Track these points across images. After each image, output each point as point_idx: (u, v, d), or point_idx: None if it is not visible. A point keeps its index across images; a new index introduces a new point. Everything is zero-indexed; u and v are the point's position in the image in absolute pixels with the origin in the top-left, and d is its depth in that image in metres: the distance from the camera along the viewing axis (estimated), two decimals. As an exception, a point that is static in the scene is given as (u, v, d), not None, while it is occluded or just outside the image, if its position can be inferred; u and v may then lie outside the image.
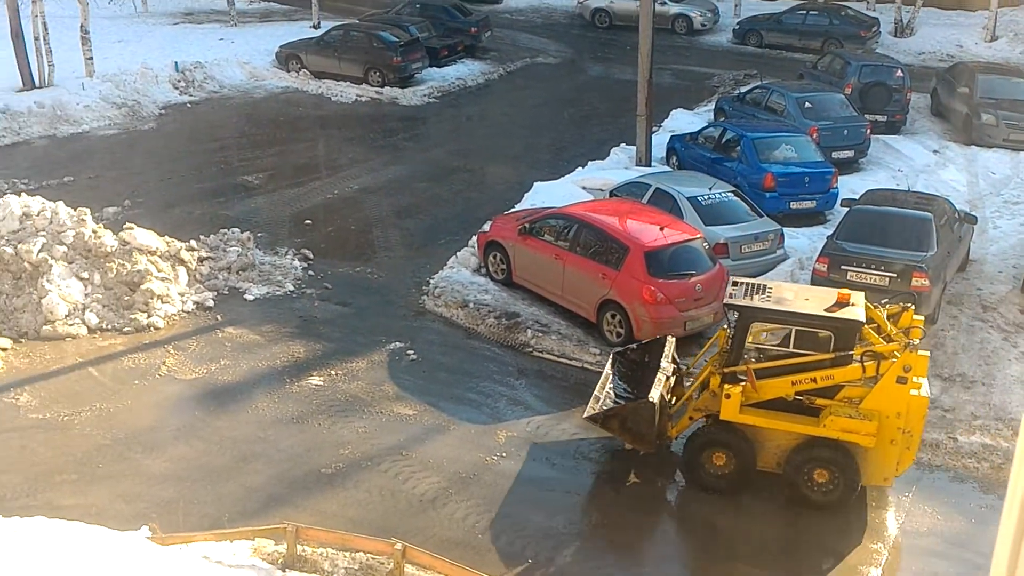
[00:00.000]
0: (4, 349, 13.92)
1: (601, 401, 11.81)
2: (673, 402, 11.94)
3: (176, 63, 27.87)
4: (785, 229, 16.97)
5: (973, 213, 17.59)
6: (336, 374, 13.67)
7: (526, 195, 19.25)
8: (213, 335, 14.66)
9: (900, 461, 10.97)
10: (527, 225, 15.83)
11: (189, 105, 26.46)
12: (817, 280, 14.98)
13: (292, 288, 16.07)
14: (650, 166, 20.74)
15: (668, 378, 11.71)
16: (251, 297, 15.74)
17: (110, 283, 15.08)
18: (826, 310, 10.82)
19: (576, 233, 15.07)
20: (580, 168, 20.94)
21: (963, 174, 21.31)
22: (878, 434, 10.67)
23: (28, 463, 11.57)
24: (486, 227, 16.93)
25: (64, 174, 20.72)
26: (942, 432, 12.52)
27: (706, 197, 16.67)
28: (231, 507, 10.93)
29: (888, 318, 11.32)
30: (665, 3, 34.53)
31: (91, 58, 26.26)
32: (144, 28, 33.79)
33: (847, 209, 16.45)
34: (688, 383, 12.29)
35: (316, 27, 32.97)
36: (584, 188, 19.34)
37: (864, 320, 10.77)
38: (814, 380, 10.87)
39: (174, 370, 13.69)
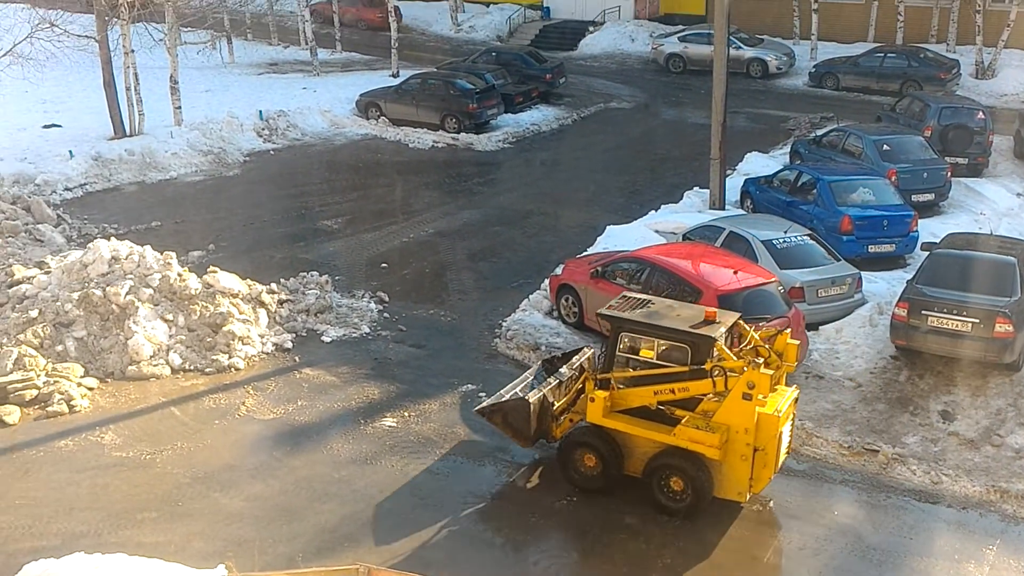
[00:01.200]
0: (91, 388, 14.42)
1: (500, 398, 12.49)
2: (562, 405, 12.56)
3: (260, 112, 28.79)
4: (863, 273, 16.69)
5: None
6: (409, 416, 13.82)
7: (599, 238, 19.31)
8: (291, 376, 14.97)
9: (756, 479, 11.26)
10: (599, 268, 15.88)
11: (272, 152, 27.25)
12: (897, 325, 14.70)
13: (368, 330, 16.34)
14: (724, 209, 20.63)
15: (561, 383, 12.47)
16: (328, 339, 16.05)
17: (193, 325, 15.54)
18: (691, 326, 11.29)
19: (648, 276, 15.05)
20: (653, 212, 20.94)
21: (1049, 217, 20.75)
22: (725, 447, 11.03)
23: (110, 500, 11.92)
24: (558, 270, 17.03)
25: (152, 219, 21.49)
26: (1029, 483, 12.12)
27: (781, 240, 16.51)
28: (305, 546, 11.09)
29: (764, 340, 11.64)
30: (740, 47, 34.54)
31: (179, 107, 27.28)
32: (231, 78, 34.96)
33: (928, 253, 16.13)
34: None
35: (395, 76, 33.72)
36: (657, 232, 19.32)
37: (716, 337, 11.12)
38: (673, 391, 11.34)
39: (253, 410, 14.00)
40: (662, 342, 11.52)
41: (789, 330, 12.08)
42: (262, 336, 15.82)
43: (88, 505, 11.81)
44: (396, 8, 36.71)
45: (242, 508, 11.80)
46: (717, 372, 10.98)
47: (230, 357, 15.17)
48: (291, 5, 41.22)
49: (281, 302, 16.82)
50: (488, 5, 44.98)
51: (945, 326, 14.31)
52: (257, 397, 14.34)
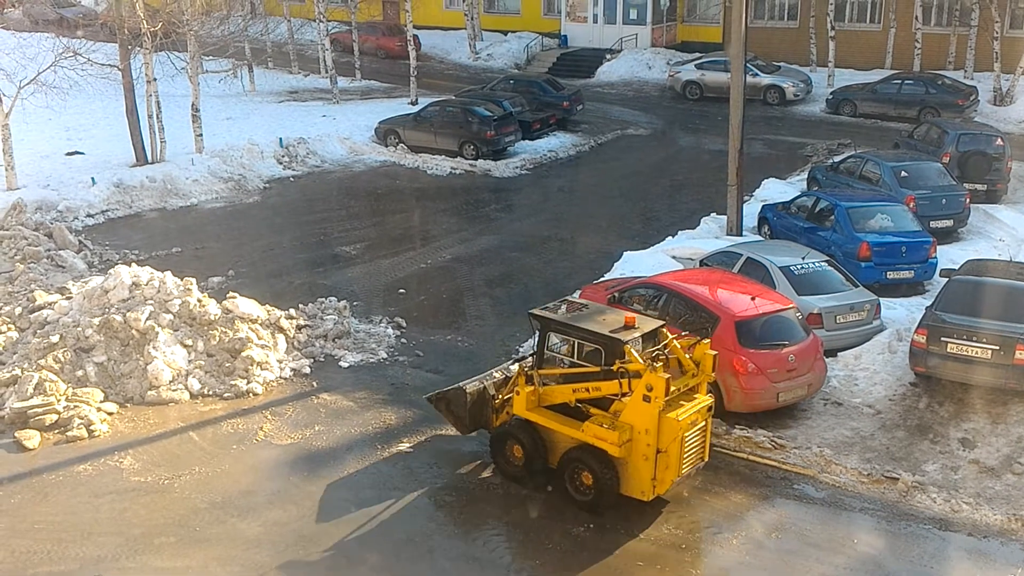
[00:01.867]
0: (110, 413, 14.50)
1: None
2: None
3: (280, 139, 29.07)
4: (882, 299, 16.64)
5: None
6: (426, 441, 13.83)
7: (616, 264, 19.35)
8: (309, 401, 15.02)
9: (659, 480, 11.69)
10: (616, 294, 15.88)
11: (292, 179, 27.48)
12: (916, 352, 14.62)
13: (385, 355, 16.39)
14: (741, 235, 20.64)
15: (508, 377, 13.22)
16: (346, 364, 16.11)
17: (212, 350, 15.64)
18: (610, 330, 11.85)
19: (666, 302, 15.05)
20: (670, 237, 20.97)
21: (1070, 244, 20.63)
22: (629, 447, 11.56)
23: (129, 525, 11.96)
24: (576, 295, 17.04)
25: (172, 245, 21.68)
26: (1052, 512, 11.99)
27: (799, 266, 16.48)
28: (323, 573, 11.09)
29: (684, 349, 12.10)
30: (757, 74, 34.67)
31: (201, 135, 27.59)
32: (251, 106, 35.34)
33: (947, 279, 16.06)
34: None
35: (414, 103, 34.01)
36: (674, 258, 19.34)
37: (625, 341, 11.60)
38: (588, 390, 11.92)
39: (271, 435, 14.04)
40: (581, 343, 12.10)
41: (708, 341, 12.39)
42: (280, 361, 15.90)
43: (106, 530, 11.85)
44: (415, 37, 37.09)
45: (259, 533, 11.82)
46: (621, 374, 11.43)
47: (248, 382, 15.25)
48: (311, 34, 41.71)
49: (299, 327, 16.90)
50: (506, 33, 45.40)
51: (965, 353, 14.22)
52: (275, 422, 14.39)
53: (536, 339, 12.59)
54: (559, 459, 12.26)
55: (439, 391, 13.31)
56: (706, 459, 12.39)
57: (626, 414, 11.63)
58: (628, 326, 11.93)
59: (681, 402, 11.78)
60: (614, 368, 11.51)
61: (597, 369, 11.87)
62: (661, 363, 11.39)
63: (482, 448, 13.54)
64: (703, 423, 12.01)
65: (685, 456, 11.81)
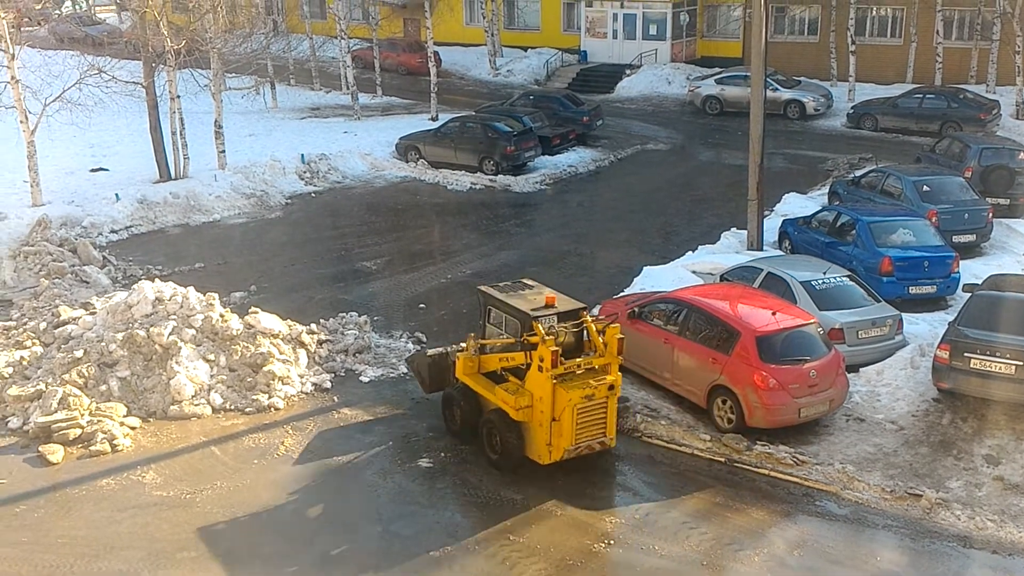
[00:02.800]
0: (133, 428, 14.61)
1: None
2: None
3: (302, 155, 29.27)
4: (904, 315, 16.53)
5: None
6: (446, 456, 13.84)
7: (636, 279, 19.32)
8: (329, 416, 15.07)
9: (553, 447, 12.71)
10: (636, 309, 15.88)
11: (313, 195, 27.65)
12: (939, 368, 14.50)
13: (406, 370, 16.40)
14: (762, 250, 20.58)
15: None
16: (366, 379, 16.16)
17: (234, 365, 15.73)
18: (530, 308, 12.98)
19: (686, 317, 15.03)
20: (690, 252, 20.93)
21: (1095, 258, 20.43)
22: (526, 411, 12.75)
23: (150, 539, 12.03)
24: (596, 311, 17.04)
25: (195, 260, 21.86)
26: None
27: (820, 281, 16.42)
28: (342, 586, 11.11)
29: (598, 331, 13.00)
30: (777, 89, 34.60)
31: (223, 151, 27.83)
32: (273, 122, 35.61)
33: (970, 295, 15.93)
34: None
35: (434, 119, 34.16)
36: (694, 272, 19.30)
37: (534, 316, 12.71)
38: (507, 360, 13.12)
39: (292, 450, 14.10)
40: (508, 317, 13.35)
41: (617, 325, 13.24)
42: (302, 376, 15.97)
43: (128, 544, 11.93)
44: (436, 53, 37.27)
45: (281, 548, 11.84)
46: (525, 345, 12.67)
47: (270, 397, 15.32)
48: (333, 51, 41.97)
49: (320, 342, 16.98)
50: (526, 49, 45.56)
51: (988, 368, 14.09)
52: (296, 437, 14.44)
53: (482, 312, 13.95)
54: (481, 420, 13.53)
55: (411, 354, 15.45)
56: (612, 443, 13.27)
57: (527, 382, 12.84)
58: (547, 304, 13.05)
59: (588, 378, 12.70)
60: (522, 340, 12.74)
61: (512, 341, 13.16)
62: (552, 337, 12.42)
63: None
64: (602, 400, 12.80)
65: (579, 428, 12.75)
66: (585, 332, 13.16)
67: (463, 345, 13.93)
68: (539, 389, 12.66)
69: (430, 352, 14.62)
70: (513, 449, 12.98)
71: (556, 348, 12.39)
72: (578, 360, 12.79)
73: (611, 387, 12.82)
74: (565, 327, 12.86)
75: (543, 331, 12.48)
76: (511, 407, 12.85)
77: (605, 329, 12.99)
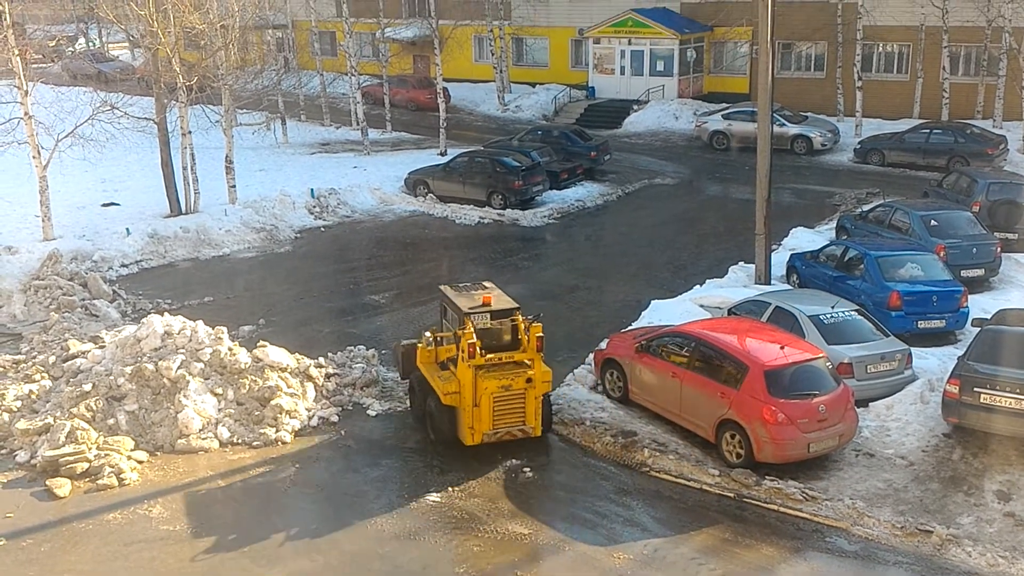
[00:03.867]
0: (140, 462, 14.60)
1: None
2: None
3: (312, 190, 29.47)
4: (913, 349, 16.47)
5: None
6: (452, 490, 13.79)
7: (644, 313, 19.31)
8: (337, 450, 15.04)
9: (474, 430, 14.22)
10: (644, 343, 15.87)
11: (323, 229, 27.80)
12: (949, 403, 14.43)
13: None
14: (769, 284, 20.58)
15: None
16: (373, 413, 16.15)
17: (242, 398, 15.74)
18: (464, 305, 14.44)
19: (694, 351, 15.01)
20: (698, 286, 20.93)
21: (1105, 292, 20.36)
22: (454, 396, 14.31)
23: (156, 574, 11.99)
24: (603, 345, 17.04)
25: (204, 294, 21.94)
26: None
27: (829, 315, 16.39)
28: (348, 622, 11.03)
29: (525, 328, 14.40)
30: (784, 124, 34.77)
31: (234, 186, 28.04)
32: (284, 158, 35.88)
33: (979, 329, 15.88)
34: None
35: (443, 154, 34.38)
36: (702, 306, 19.29)
37: (467, 312, 14.23)
38: (448, 351, 14.73)
39: (298, 484, 14.06)
40: (451, 313, 14.88)
41: (540, 323, 14.50)
42: (309, 410, 15.96)
43: (134, 578, 11.89)
44: (445, 89, 37.59)
45: (286, 583, 11.79)
46: (456, 338, 14.30)
47: (277, 431, 15.31)
48: (344, 87, 42.39)
49: (328, 376, 16.99)
50: (534, 85, 45.94)
51: (999, 403, 14.02)
52: (303, 471, 14.41)
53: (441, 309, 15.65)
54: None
55: (395, 343, 16.56)
56: (536, 432, 14.57)
57: (457, 371, 14.34)
58: (483, 304, 14.52)
59: (510, 371, 14.20)
60: (455, 333, 14.41)
61: (452, 334, 14.73)
62: (471, 330, 13.99)
63: (511, 499, 13.49)
64: (520, 391, 14.19)
65: (497, 415, 14.17)
66: (515, 329, 14.49)
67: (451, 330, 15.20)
68: (463, 377, 14.19)
69: (404, 342, 16.01)
70: (444, 429, 14.55)
71: (473, 341, 13.93)
72: (499, 354, 14.20)
73: (529, 380, 14.19)
74: (500, 324, 14.40)
75: (472, 326, 14.02)
76: (441, 392, 14.39)
77: (529, 328, 14.35)
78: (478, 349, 13.99)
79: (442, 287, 15.51)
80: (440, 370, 14.86)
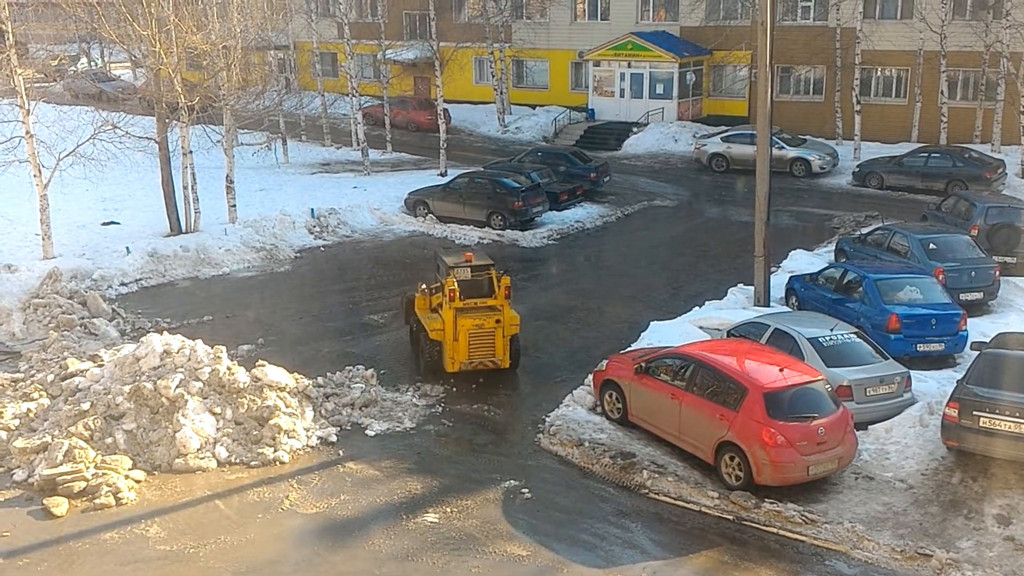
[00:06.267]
0: (138, 481, 14.55)
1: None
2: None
3: (312, 210, 29.53)
4: (912, 372, 16.47)
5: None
6: (451, 511, 13.75)
7: (642, 334, 19.31)
8: (334, 470, 15.01)
9: (453, 360, 17.64)
10: (643, 364, 15.86)
11: (323, 249, 27.84)
12: (948, 426, 14.41)
13: (411, 424, 16.39)
14: (768, 306, 20.59)
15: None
16: (372, 433, 16.12)
17: (241, 418, 15.71)
18: (453, 262, 17.85)
19: (693, 373, 15.01)
20: (697, 308, 20.95)
21: (1104, 316, 20.38)
22: (439, 333, 17.59)
23: (155, 592, 11.94)
24: (602, 366, 17.03)
25: (204, 313, 21.95)
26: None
27: (828, 338, 16.40)
28: (345, 644, 10.96)
29: (498, 280, 17.81)
30: (783, 147, 34.92)
31: (234, 205, 28.10)
32: (284, 177, 35.97)
33: (978, 352, 15.89)
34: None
35: (443, 175, 34.49)
36: (701, 328, 19.29)
37: (451, 265, 17.75)
38: (438, 298, 18.11)
39: (296, 504, 14.02)
40: (442, 267, 18.15)
41: (508, 277, 17.92)
42: (307, 430, 15.93)
43: (131, 598, 11.83)
44: (445, 111, 37.75)
45: (283, 603, 11.73)
46: (441, 287, 17.77)
47: (275, 450, 15.28)
48: (344, 108, 42.56)
49: (327, 396, 16.97)
50: (534, 107, 46.18)
51: (998, 427, 14.00)
52: (300, 491, 14.37)
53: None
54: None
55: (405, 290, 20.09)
56: (505, 364, 17.79)
57: (442, 313, 17.68)
58: (465, 260, 17.92)
59: (483, 313, 17.51)
60: (441, 284, 17.88)
61: (438, 284, 18.18)
62: (452, 279, 17.38)
63: (509, 521, 13.45)
64: (491, 329, 17.45)
65: (472, 348, 17.48)
66: (490, 281, 17.77)
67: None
68: (446, 317, 17.50)
69: (408, 293, 19.46)
70: (431, 357, 17.91)
71: (454, 288, 17.31)
72: (476, 300, 17.57)
73: (498, 320, 17.45)
74: (478, 275, 17.74)
75: (455, 277, 17.44)
76: (429, 329, 17.74)
77: (500, 279, 17.71)
78: (457, 295, 17.33)
79: (436, 250, 20.02)
80: (431, 314, 18.30)
